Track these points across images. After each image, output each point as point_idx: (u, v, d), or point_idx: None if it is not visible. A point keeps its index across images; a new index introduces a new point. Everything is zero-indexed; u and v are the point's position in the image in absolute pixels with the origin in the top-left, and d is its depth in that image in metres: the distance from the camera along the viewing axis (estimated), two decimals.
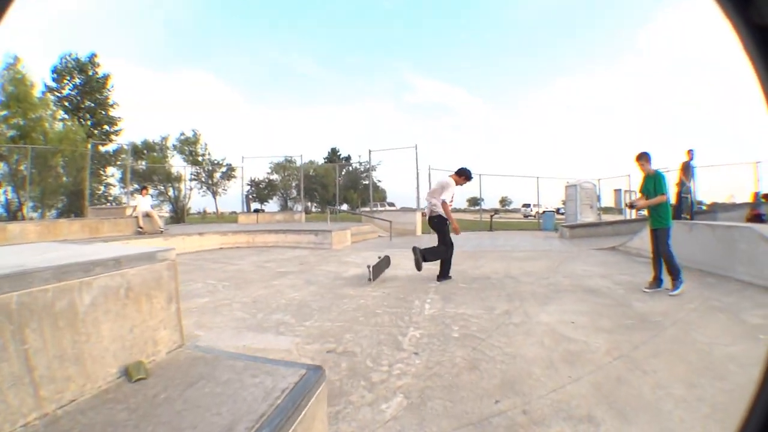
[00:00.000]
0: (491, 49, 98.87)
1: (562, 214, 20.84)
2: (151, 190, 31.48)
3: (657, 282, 5.40)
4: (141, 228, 11.71)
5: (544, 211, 20.64)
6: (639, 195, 5.69)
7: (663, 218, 5.41)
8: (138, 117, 70.50)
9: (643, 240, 7.72)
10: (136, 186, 23.13)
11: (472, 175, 6.83)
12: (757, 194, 13.93)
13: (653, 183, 5.41)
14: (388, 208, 32.04)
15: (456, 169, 6.67)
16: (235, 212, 22.47)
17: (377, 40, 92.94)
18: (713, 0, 0.66)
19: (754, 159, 15.61)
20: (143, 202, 12.31)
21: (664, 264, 5.34)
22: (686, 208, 10.81)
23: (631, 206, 6.76)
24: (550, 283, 6.10)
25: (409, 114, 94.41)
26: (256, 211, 22.01)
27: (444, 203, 6.35)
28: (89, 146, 20.41)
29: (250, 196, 33.26)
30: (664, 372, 2.89)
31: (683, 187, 10.65)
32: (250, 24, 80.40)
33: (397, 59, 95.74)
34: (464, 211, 40.04)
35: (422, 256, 6.40)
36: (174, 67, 70.66)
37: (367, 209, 20.42)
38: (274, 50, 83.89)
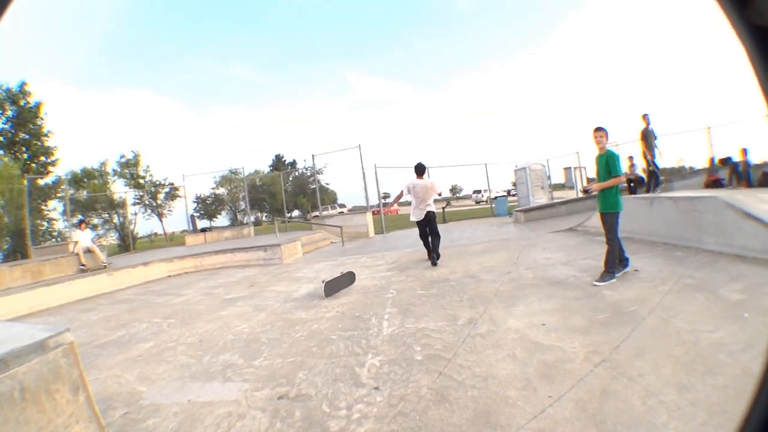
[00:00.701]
0: (429, 41, 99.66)
1: (514, 195, 20.94)
2: (95, 220, 29.89)
3: (622, 264, 5.13)
4: (83, 265, 10.93)
5: (495, 197, 20.62)
6: (596, 177, 5.38)
7: (612, 202, 4.98)
8: (75, 144, 66.73)
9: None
10: (80, 217, 21.81)
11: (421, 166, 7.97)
12: (712, 159, 14.19)
13: (605, 162, 4.98)
14: (339, 209, 31.53)
15: (417, 169, 7.89)
16: (186, 230, 21.42)
17: (317, 42, 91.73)
18: (713, 0, 0.65)
19: (705, 125, 15.98)
20: (83, 237, 11.59)
21: (605, 252, 4.98)
22: (653, 179, 10.77)
23: (586, 192, 6.58)
24: (512, 278, 5.78)
25: (353, 113, 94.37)
26: (203, 230, 20.95)
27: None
28: (25, 182, 18.94)
29: (197, 214, 32.05)
30: (651, 375, 2.59)
31: (651, 158, 10.53)
32: (184, 37, 77.12)
33: (337, 60, 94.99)
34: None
35: (437, 257, 7.69)
36: (108, 87, 66.95)
37: (317, 214, 19.90)
38: (210, 62, 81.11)
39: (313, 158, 19.29)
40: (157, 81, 69.86)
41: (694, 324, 3.23)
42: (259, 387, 3.36)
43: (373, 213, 17.04)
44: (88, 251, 11.29)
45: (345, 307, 5.49)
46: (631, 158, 14.79)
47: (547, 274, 5.71)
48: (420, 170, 7.92)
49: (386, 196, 27.69)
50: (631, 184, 13.86)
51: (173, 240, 28.53)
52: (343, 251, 12.06)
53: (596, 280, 4.88)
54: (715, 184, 12.07)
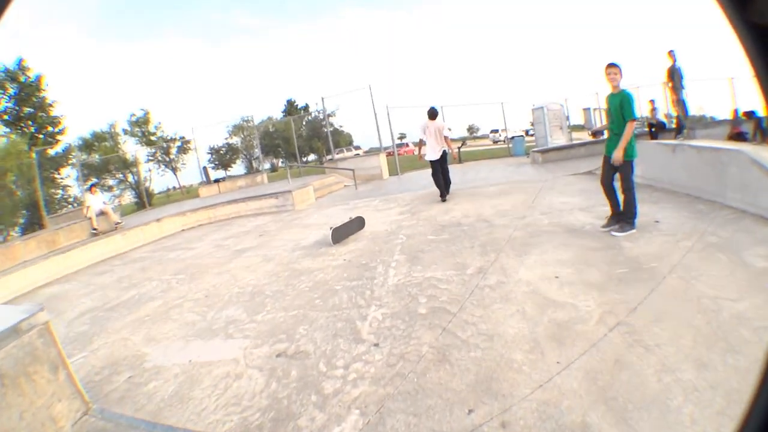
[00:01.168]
0: None
1: (532, 135, 20.14)
2: (110, 181, 30.20)
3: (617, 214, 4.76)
4: (95, 229, 10.86)
5: (512, 137, 19.88)
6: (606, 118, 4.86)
7: (626, 148, 4.50)
8: (83, 109, 65.72)
9: None
10: (93, 180, 21.94)
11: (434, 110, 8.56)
12: (736, 111, 13.30)
13: (619, 103, 4.44)
14: (355, 152, 31.20)
15: (430, 113, 8.43)
16: (203, 182, 21.39)
17: None
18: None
19: (729, 75, 14.94)
20: (95, 201, 11.42)
21: (623, 202, 4.61)
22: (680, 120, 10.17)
23: (595, 135, 6.17)
24: (527, 223, 5.50)
25: (362, 54, 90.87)
26: (217, 180, 20.79)
27: (446, 139, 8.50)
28: (34, 156, 18.95)
29: (210, 165, 31.99)
30: (669, 346, 2.36)
31: (678, 98, 9.87)
32: None
33: None
34: None
35: (447, 191, 8.39)
36: (110, 44, 64.49)
37: (331, 157, 19.56)
38: (210, 9, 77.56)
39: (323, 101, 18.80)
40: (159, 34, 67.56)
41: (717, 290, 2.95)
42: (258, 344, 3.33)
43: (387, 154, 16.65)
44: (102, 213, 11.17)
45: (352, 255, 5.39)
46: (652, 102, 13.98)
47: (563, 221, 5.41)
48: (432, 114, 8.43)
49: (402, 136, 26.94)
50: (653, 130, 13.16)
51: (190, 193, 28.69)
52: (356, 194, 11.85)
53: (615, 230, 4.60)
54: (738, 136, 11.33)
